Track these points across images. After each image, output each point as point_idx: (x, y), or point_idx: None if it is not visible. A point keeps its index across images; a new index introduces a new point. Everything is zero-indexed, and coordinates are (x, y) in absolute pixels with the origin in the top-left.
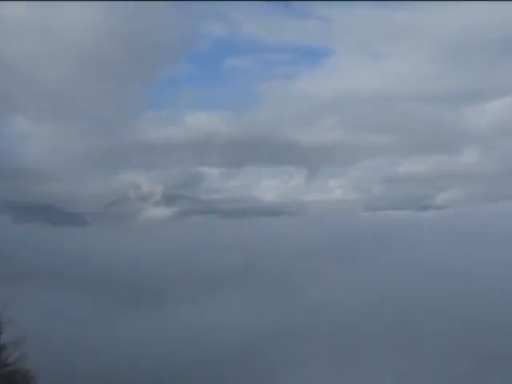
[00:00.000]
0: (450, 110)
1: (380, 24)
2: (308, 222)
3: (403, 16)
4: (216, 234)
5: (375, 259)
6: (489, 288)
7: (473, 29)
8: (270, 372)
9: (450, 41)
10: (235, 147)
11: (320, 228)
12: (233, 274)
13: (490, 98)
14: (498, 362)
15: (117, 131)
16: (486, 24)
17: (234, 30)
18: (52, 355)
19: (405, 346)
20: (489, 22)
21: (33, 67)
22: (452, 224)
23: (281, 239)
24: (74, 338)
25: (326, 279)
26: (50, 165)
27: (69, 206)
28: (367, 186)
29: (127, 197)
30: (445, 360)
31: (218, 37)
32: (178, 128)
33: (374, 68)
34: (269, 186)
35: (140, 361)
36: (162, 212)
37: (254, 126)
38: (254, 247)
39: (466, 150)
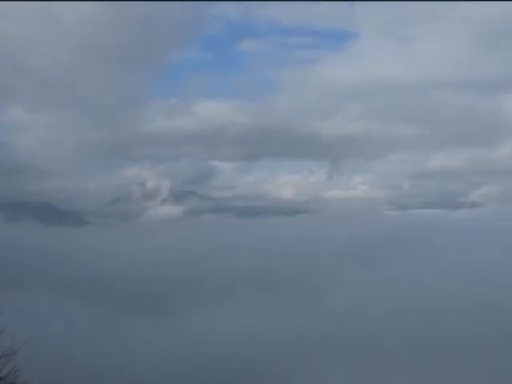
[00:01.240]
0: (486, 98)
1: (408, 4)
2: (330, 222)
3: None
4: (230, 234)
5: (403, 262)
6: None
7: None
8: None
9: (486, 23)
10: (250, 139)
11: (343, 228)
12: (248, 277)
13: None
14: None
15: (120, 122)
16: None
17: (249, 11)
18: (48, 367)
19: (430, 357)
20: None
21: (28, 53)
22: (488, 224)
23: (300, 240)
24: (72, 347)
25: (348, 284)
26: (46, 159)
27: (66, 204)
28: (395, 182)
29: (131, 194)
30: (471, 373)
31: (232, 18)
32: (187, 118)
33: (402, 53)
34: (287, 181)
35: (145, 372)
36: (170, 211)
37: (271, 116)
38: (271, 249)
39: (503, 142)
